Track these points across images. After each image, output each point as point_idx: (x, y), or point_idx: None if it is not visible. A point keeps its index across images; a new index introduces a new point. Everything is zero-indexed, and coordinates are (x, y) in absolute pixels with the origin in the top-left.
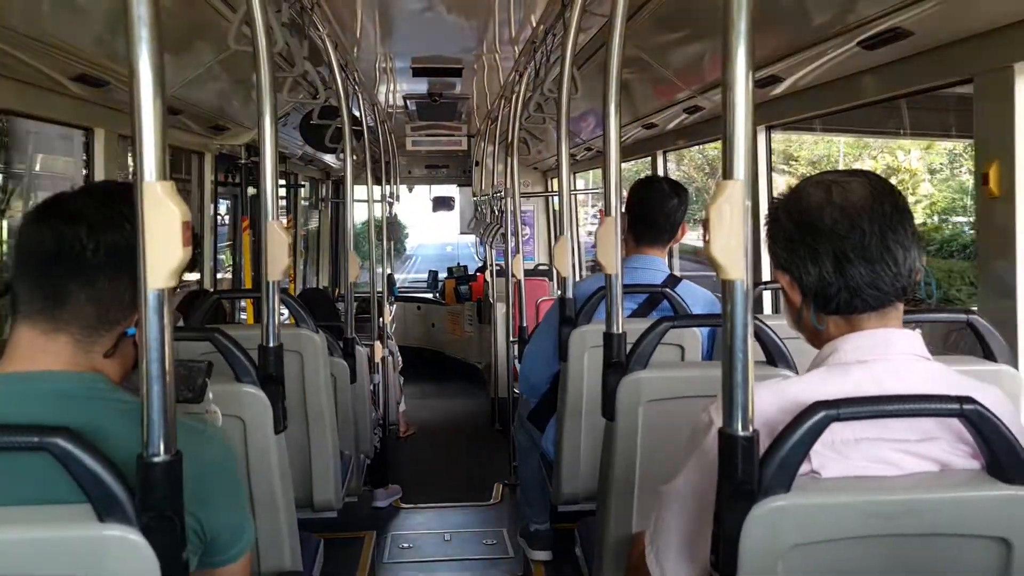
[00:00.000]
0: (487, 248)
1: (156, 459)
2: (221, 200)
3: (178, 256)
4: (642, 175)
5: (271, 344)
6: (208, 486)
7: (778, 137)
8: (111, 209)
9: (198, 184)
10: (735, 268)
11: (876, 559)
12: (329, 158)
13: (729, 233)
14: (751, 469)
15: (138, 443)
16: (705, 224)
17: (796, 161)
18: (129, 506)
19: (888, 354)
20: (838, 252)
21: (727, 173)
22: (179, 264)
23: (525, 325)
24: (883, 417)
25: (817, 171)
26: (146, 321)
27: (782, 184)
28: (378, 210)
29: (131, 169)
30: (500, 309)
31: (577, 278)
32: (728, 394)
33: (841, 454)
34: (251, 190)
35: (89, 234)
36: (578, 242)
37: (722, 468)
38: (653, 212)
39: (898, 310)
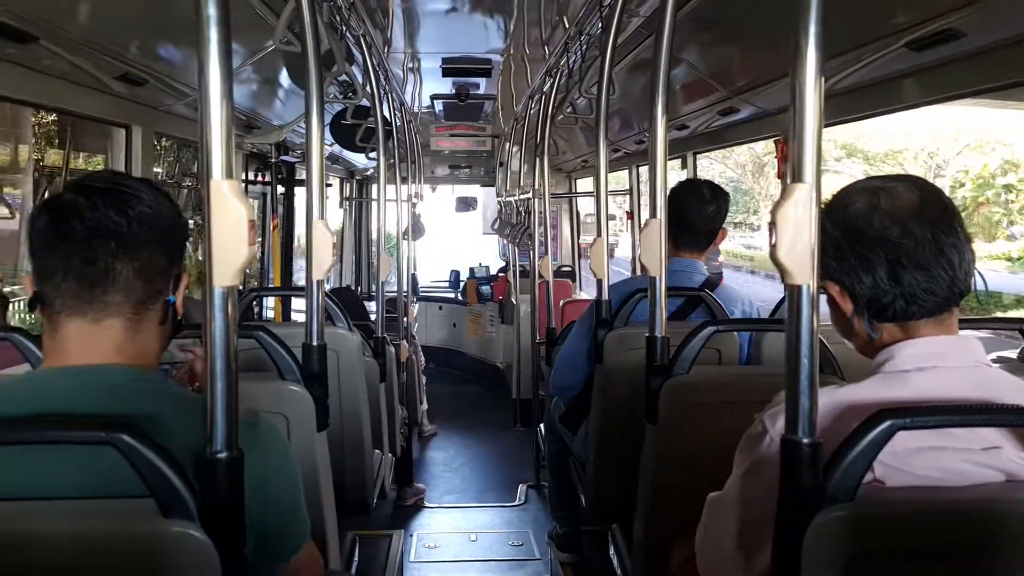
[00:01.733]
0: (511, 249)
1: (220, 456)
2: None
3: (243, 254)
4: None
5: (315, 343)
6: (259, 482)
7: (847, 131)
8: (124, 186)
9: None
10: (801, 273)
11: (942, 571)
12: (355, 157)
13: (796, 237)
14: (815, 477)
15: (193, 436)
16: (771, 227)
17: (855, 157)
18: (192, 503)
19: (948, 361)
20: (891, 259)
21: (795, 176)
22: (244, 262)
23: (553, 327)
24: (952, 427)
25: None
26: (211, 320)
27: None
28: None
29: (162, 167)
30: (523, 310)
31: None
32: (792, 401)
33: (904, 463)
34: (280, 188)
35: (119, 212)
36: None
37: (784, 476)
38: (691, 216)
39: (955, 316)
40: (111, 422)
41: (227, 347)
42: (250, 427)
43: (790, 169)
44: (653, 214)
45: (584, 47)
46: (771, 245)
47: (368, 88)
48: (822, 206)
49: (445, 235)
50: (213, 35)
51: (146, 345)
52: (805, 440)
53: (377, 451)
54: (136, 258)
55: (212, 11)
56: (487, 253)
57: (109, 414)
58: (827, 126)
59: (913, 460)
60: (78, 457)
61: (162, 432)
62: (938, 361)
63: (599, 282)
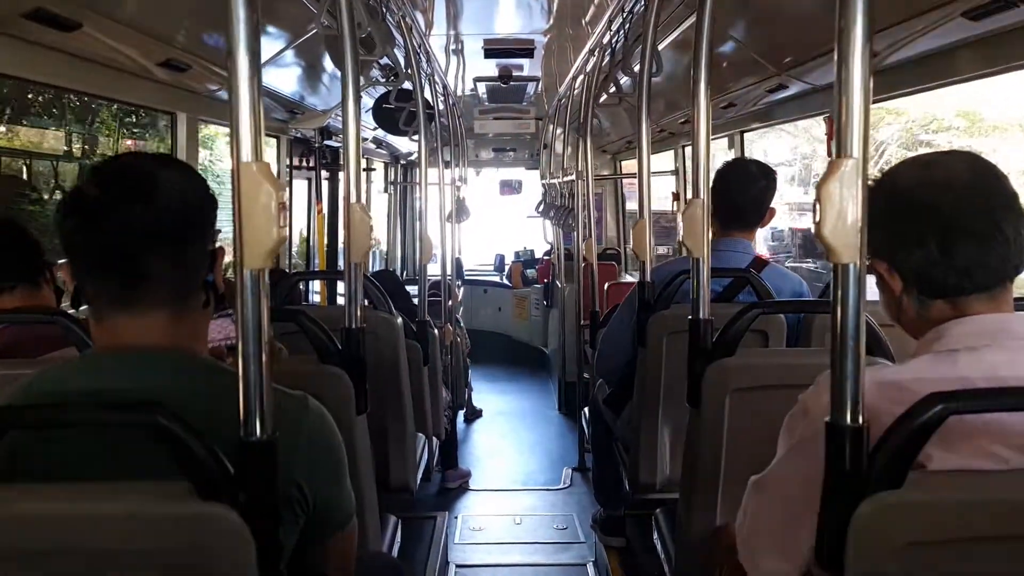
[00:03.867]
0: (555, 231)
1: (253, 439)
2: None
3: (274, 237)
4: (715, 155)
5: (355, 326)
6: (311, 456)
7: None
8: (145, 176)
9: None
10: (848, 251)
11: (1002, 563)
12: (399, 142)
13: (842, 214)
14: (860, 462)
15: (235, 417)
16: (816, 204)
17: (953, 130)
18: (227, 485)
19: (1002, 340)
20: (943, 231)
21: (841, 150)
22: (275, 245)
23: (597, 310)
24: (1007, 410)
25: None
26: (243, 302)
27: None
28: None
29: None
30: (568, 293)
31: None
32: (838, 384)
33: (948, 445)
34: (324, 173)
35: (145, 207)
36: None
37: (829, 460)
38: (740, 195)
39: (1009, 292)
40: (147, 403)
41: (259, 330)
42: (301, 409)
43: (836, 143)
44: (696, 194)
45: (627, 25)
46: (815, 223)
47: (409, 71)
48: (870, 182)
49: (490, 218)
50: (241, 15)
51: (192, 329)
52: (850, 424)
53: (420, 434)
54: (171, 252)
55: None
56: (533, 236)
57: (158, 395)
58: (876, 102)
59: (959, 443)
60: (129, 438)
61: (201, 413)
62: (991, 340)
63: (642, 264)
